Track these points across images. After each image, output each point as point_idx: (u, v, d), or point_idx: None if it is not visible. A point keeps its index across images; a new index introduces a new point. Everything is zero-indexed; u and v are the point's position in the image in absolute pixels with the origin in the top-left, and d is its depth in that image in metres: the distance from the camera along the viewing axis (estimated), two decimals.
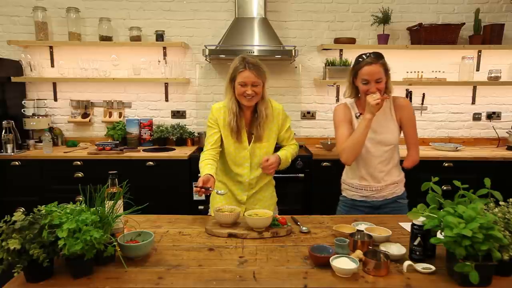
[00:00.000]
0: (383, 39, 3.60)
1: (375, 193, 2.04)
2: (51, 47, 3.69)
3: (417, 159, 2.09)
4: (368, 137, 1.94)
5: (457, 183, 1.43)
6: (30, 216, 1.26)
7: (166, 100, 3.82)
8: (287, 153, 2.07)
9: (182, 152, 3.37)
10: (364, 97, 1.94)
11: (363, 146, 1.96)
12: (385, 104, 2.00)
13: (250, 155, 2.02)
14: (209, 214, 2.17)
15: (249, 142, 2.02)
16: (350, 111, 2.07)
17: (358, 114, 2.05)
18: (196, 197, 3.21)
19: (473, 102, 3.83)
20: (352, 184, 2.09)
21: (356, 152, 1.94)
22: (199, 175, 1.88)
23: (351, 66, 2.02)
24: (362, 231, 1.56)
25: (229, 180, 2.08)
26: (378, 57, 1.90)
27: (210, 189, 1.81)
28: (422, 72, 3.71)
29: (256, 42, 3.38)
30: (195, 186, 1.81)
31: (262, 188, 2.11)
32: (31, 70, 3.59)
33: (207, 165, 1.92)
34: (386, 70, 1.92)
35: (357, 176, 2.06)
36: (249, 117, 2.03)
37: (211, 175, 1.85)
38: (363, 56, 1.92)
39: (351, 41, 3.60)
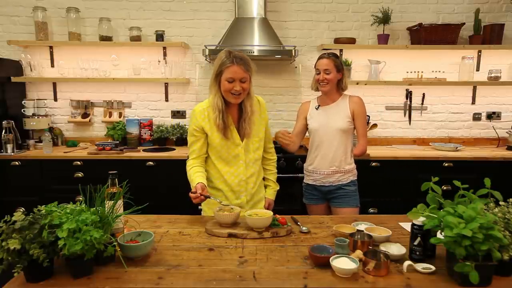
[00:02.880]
0: (383, 39, 3.60)
1: (323, 177, 2.41)
2: (51, 47, 3.69)
3: (365, 149, 2.43)
4: (321, 123, 2.40)
5: (457, 183, 1.43)
6: (30, 216, 1.26)
7: (166, 100, 3.82)
8: (274, 190, 2.17)
9: (182, 152, 3.37)
10: (318, 87, 2.42)
11: (317, 133, 2.41)
12: (341, 99, 2.41)
13: (244, 151, 1.96)
14: (202, 214, 2.14)
15: (241, 139, 1.95)
16: (308, 106, 2.51)
17: (317, 106, 2.47)
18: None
19: (473, 102, 3.83)
20: (306, 169, 2.51)
21: (286, 149, 2.30)
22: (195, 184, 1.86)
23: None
24: (362, 231, 1.56)
25: (225, 185, 2.00)
26: (331, 56, 2.34)
27: (211, 198, 1.80)
28: (422, 72, 3.71)
29: (256, 42, 3.38)
30: (192, 192, 1.77)
31: (258, 189, 2.08)
32: (31, 70, 3.59)
33: (197, 173, 1.88)
34: (338, 67, 2.33)
35: (310, 159, 2.48)
36: (236, 114, 1.95)
37: (204, 184, 1.83)
38: (324, 54, 2.38)
39: (351, 41, 3.60)
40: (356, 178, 2.45)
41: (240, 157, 1.97)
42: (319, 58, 2.38)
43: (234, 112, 1.95)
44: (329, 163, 2.38)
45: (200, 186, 1.79)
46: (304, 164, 2.55)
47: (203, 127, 1.93)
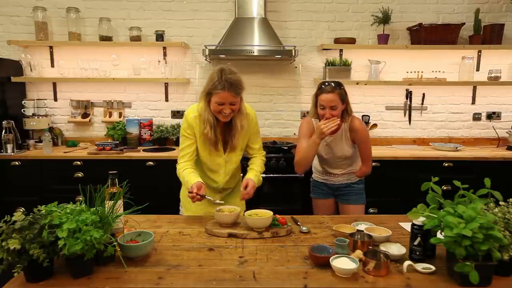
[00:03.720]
0: (383, 39, 3.60)
1: (333, 177, 2.43)
2: (51, 47, 3.69)
3: (367, 171, 2.40)
4: (326, 152, 2.34)
5: (457, 183, 1.43)
6: (30, 216, 1.26)
7: (166, 100, 3.82)
8: (258, 173, 2.03)
9: None
10: (320, 119, 2.22)
11: (321, 156, 2.38)
12: (342, 127, 2.28)
13: (225, 162, 2.01)
14: (180, 213, 2.18)
15: (224, 150, 1.99)
16: (313, 127, 2.34)
17: None
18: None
19: (473, 102, 3.83)
20: (316, 168, 2.53)
21: (304, 166, 2.28)
22: (186, 182, 1.87)
23: (316, 90, 2.25)
24: (362, 231, 1.56)
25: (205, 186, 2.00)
26: (336, 87, 2.16)
27: (207, 197, 1.80)
28: (422, 72, 3.71)
29: (256, 42, 3.38)
30: (189, 192, 1.78)
31: (233, 190, 2.14)
32: (31, 70, 3.59)
33: (191, 173, 1.89)
34: (343, 98, 2.17)
35: (319, 164, 2.49)
36: (223, 127, 1.96)
37: (202, 182, 1.83)
38: (325, 83, 2.20)
39: (351, 41, 3.60)
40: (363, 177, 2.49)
41: (221, 167, 2.02)
42: (322, 91, 2.17)
43: (222, 125, 1.95)
44: (339, 170, 2.41)
45: (196, 186, 1.79)
46: (313, 162, 2.51)
47: (195, 132, 1.95)
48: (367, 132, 2.37)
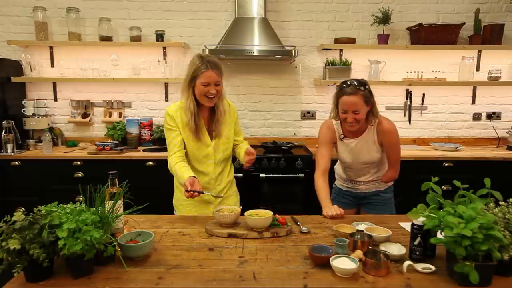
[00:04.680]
0: (383, 39, 3.60)
1: (358, 185, 2.23)
2: (51, 47, 3.69)
3: (395, 176, 2.19)
4: (347, 158, 2.15)
5: (457, 183, 1.43)
6: (30, 216, 1.26)
7: (166, 100, 3.82)
8: (247, 145, 2.12)
9: None
10: (342, 123, 2.07)
11: (346, 163, 2.19)
12: (367, 132, 2.08)
13: (214, 151, 2.03)
14: (175, 213, 2.18)
15: (211, 139, 2.02)
16: (334, 132, 2.16)
17: (342, 136, 2.14)
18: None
19: (473, 102, 3.83)
20: (340, 175, 2.31)
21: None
22: (179, 178, 1.88)
23: (337, 89, 2.06)
24: (362, 231, 1.56)
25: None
26: (359, 87, 1.94)
27: (204, 193, 1.80)
28: (422, 72, 3.71)
29: (256, 42, 3.38)
30: (186, 191, 1.75)
31: (228, 185, 2.13)
32: (31, 70, 3.59)
33: (183, 167, 1.89)
34: (367, 99, 1.96)
35: (341, 170, 2.28)
36: (207, 115, 2.02)
37: (195, 176, 1.83)
38: (347, 82, 1.98)
39: (351, 41, 3.60)
40: (393, 184, 2.27)
41: (209, 157, 2.03)
42: (343, 92, 1.95)
43: (206, 114, 2.02)
44: (365, 177, 2.19)
45: (188, 182, 1.76)
46: (335, 167, 2.34)
47: (177, 124, 2.00)
48: (397, 134, 2.10)
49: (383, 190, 2.22)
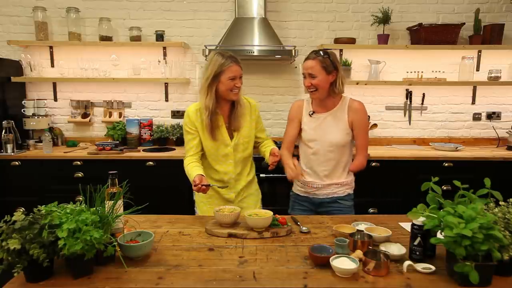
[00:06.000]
0: (383, 39, 3.60)
1: (316, 190, 2.11)
2: (51, 47, 3.69)
3: (363, 163, 2.11)
4: (314, 136, 2.07)
5: (457, 183, 1.43)
6: (30, 216, 1.26)
7: (166, 100, 3.82)
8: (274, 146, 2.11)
9: (182, 152, 3.35)
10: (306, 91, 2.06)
11: (310, 144, 2.09)
12: (339, 107, 2.06)
13: (233, 151, 2.03)
14: (196, 214, 2.21)
15: (231, 138, 2.03)
16: (302, 108, 2.14)
17: (311, 112, 2.11)
18: (195, 197, 3.21)
19: (473, 102, 3.83)
20: (298, 179, 2.15)
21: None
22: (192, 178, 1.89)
23: None
24: (362, 231, 1.56)
25: (215, 182, 2.07)
26: (317, 53, 1.97)
27: (211, 185, 1.84)
28: (422, 72, 3.71)
29: (256, 42, 3.38)
30: (194, 186, 1.80)
31: (248, 185, 2.14)
32: (31, 70, 3.59)
33: (194, 167, 1.92)
34: (327, 68, 1.95)
35: (305, 165, 2.15)
36: (227, 113, 2.03)
37: (202, 174, 1.86)
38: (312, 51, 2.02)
39: (351, 41, 3.60)
40: (353, 192, 2.15)
41: (229, 157, 2.04)
42: (305, 58, 2.02)
43: (226, 111, 2.03)
44: (323, 178, 2.09)
45: (198, 178, 1.81)
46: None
47: (196, 126, 2.01)
48: (367, 116, 2.10)
49: (342, 197, 2.09)
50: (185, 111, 2.05)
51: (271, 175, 3.20)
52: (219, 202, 2.06)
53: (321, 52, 1.98)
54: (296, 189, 2.21)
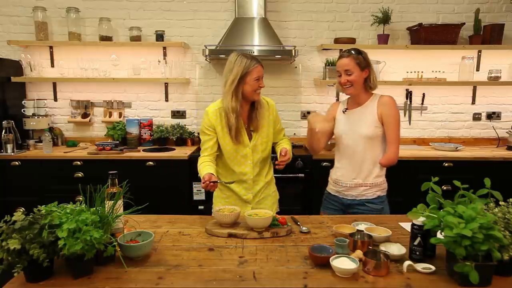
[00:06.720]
0: (383, 39, 3.60)
1: (345, 189, 2.12)
2: (51, 47, 3.69)
3: (393, 158, 2.06)
4: (346, 129, 2.12)
5: (457, 183, 1.43)
6: (30, 216, 1.26)
7: (166, 100, 3.82)
8: (289, 147, 2.11)
9: (182, 152, 3.37)
10: (341, 89, 2.13)
11: (341, 139, 2.14)
12: (370, 102, 2.11)
13: (252, 152, 2.03)
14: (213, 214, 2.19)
15: (250, 139, 2.03)
16: (337, 108, 2.23)
17: (344, 109, 2.18)
18: (196, 197, 3.21)
19: (473, 102, 3.83)
20: (330, 177, 2.24)
21: (314, 150, 2.24)
22: (199, 175, 1.90)
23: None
24: (362, 231, 1.56)
25: (234, 183, 2.07)
26: (350, 51, 2.06)
27: (218, 181, 1.84)
28: (422, 72, 3.71)
29: (256, 42, 3.38)
30: (203, 182, 1.79)
31: (266, 185, 2.13)
32: (31, 70, 3.59)
33: (206, 166, 1.93)
34: (361, 64, 2.05)
35: (334, 167, 2.22)
36: (247, 113, 2.03)
37: (212, 173, 1.86)
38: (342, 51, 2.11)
39: (351, 41, 3.60)
40: (385, 194, 2.14)
41: (248, 157, 2.03)
42: (338, 57, 2.10)
43: (246, 112, 2.03)
44: (353, 174, 2.09)
45: (207, 176, 1.81)
46: (330, 171, 2.28)
47: (215, 127, 1.99)
48: (397, 109, 2.08)
49: (370, 199, 2.07)
50: (205, 110, 2.03)
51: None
52: (236, 203, 2.04)
53: (352, 50, 2.07)
54: (329, 187, 2.25)
